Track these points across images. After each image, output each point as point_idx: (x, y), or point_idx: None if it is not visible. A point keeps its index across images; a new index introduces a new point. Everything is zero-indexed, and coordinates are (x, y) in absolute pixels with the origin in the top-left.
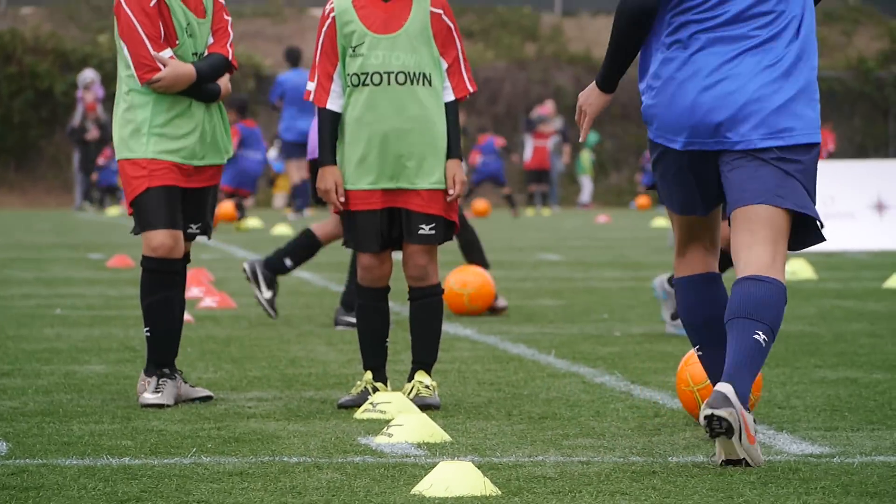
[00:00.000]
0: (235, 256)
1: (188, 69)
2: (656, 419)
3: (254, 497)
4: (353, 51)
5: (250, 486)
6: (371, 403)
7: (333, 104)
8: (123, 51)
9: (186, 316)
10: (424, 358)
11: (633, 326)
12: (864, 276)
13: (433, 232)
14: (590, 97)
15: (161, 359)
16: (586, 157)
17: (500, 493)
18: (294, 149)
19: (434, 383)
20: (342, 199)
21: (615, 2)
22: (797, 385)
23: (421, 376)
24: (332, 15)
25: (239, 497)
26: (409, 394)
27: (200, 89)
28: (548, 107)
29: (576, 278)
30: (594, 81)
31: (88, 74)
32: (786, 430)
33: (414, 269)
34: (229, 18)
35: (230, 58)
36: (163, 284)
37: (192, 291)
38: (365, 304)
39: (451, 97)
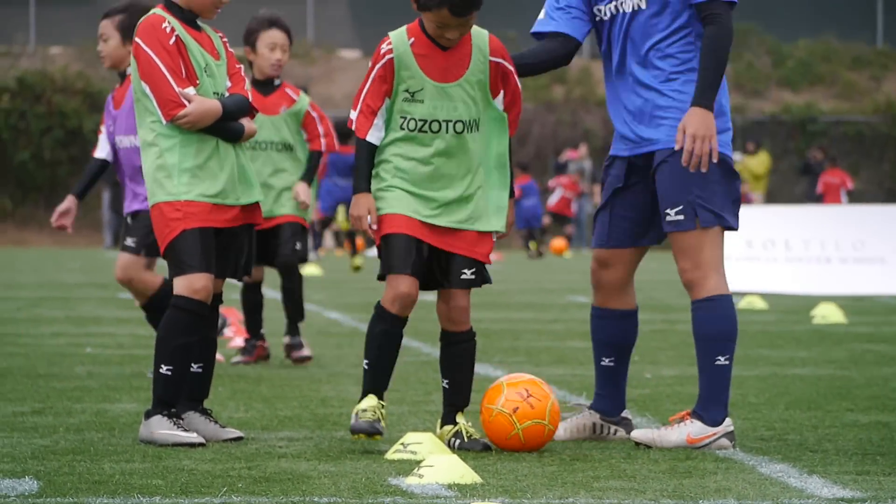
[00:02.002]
0: (265, 296)
1: (214, 104)
2: (687, 462)
3: None
4: (412, 96)
5: None
6: (402, 444)
7: (373, 137)
8: (146, 93)
9: (217, 355)
10: (463, 402)
11: (664, 369)
12: (895, 320)
13: (473, 276)
14: (708, 122)
15: (173, 399)
16: None
17: None
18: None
19: (470, 424)
20: (374, 227)
21: None
22: (829, 429)
23: (461, 418)
24: (389, 56)
25: None
26: (452, 437)
27: (225, 127)
28: (581, 150)
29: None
30: (703, 108)
31: None
32: (817, 474)
33: (456, 311)
34: (241, 66)
35: (250, 100)
36: (199, 326)
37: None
38: (391, 330)
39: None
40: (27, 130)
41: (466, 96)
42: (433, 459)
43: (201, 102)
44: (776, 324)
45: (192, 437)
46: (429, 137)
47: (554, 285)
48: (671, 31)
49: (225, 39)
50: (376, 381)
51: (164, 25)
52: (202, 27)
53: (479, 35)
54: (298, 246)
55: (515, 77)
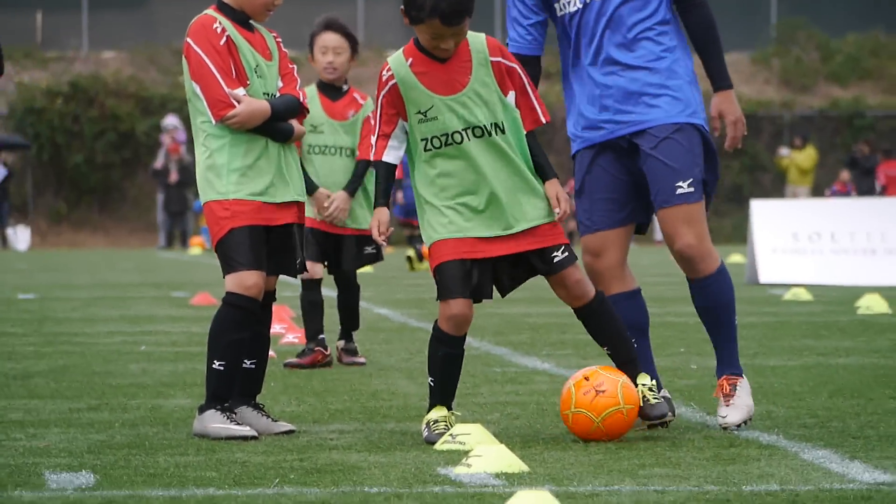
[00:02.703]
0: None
1: (263, 105)
2: (731, 449)
3: None
4: (425, 115)
5: None
6: (451, 435)
7: (389, 157)
8: (197, 94)
9: (270, 351)
10: (632, 356)
11: (709, 360)
12: None
13: (566, 254)
14: (737, 104)
15: (226, 393)
16: None
17: None
18: None
19: (653, 382)
20: (384, 239)
21: (733, 40)
22: (871, 416)
23: (643, 379)
24: (392, 82)
25: None
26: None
27: (274, 127)
28: None
29: (653, 313)
30: (727, 90)
31: (171, 121)
32: (859, 459)
33: (574, 287)
34: (294, 66)
35: (301, 100)
36: (250, 322)
37: (274, 328)
38: (452, 352)
39: (524, 129)
40: (81, 134)
41: (478, 101)
42: (481, 449)
43: (250, 103)
44: (821, 314)
45: (245, 430)
46: (455, 150)
47: None
48: (657, 15)
49: (279, 39)
50: (444, 397)
51: (214, 26)
52: (255, 27)
53: (476, 39)
54: (360, 258)
55: (520, 71)
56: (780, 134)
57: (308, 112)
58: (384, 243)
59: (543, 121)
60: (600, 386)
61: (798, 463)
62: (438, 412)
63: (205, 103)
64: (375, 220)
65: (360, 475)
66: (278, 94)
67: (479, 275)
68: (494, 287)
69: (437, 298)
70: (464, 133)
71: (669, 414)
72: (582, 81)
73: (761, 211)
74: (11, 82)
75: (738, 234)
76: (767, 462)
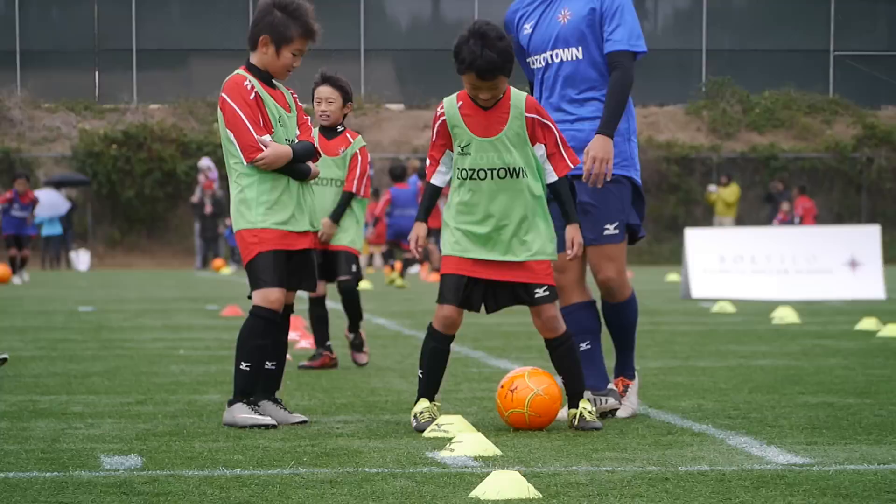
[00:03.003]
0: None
1: (286, 149)
2: (669, 436)
3: (341, 500)
4: (462, 150)
5: (338, 491)
6: (437, 424)
7: (436, 180)
8: (230, 140)
9: (287, 355)
10: (580, 389)
11: (650, 362)
12: (839, 320)
13: (548, 293)
14: (608, 148)
15: (251, 389)
16: None
17: (541, 496)
18: None
19: (594, 408)
20: (420, 250)
21: (670, 95)
22: (784, 408)
23: (584, 404)
24: (442, 118)
25: (329, 500)
26: (574, 419)
27: (294, 168)
28: None
29: (602, 323)
30: (606, 136)
31: (205, 162)
32: (774, 444)
33: (548, 322)
34: (308, 117)
35: (316, 146)
36: (272, 330)
37: (290, 335)
38: (439, 347)
39: (554, 177)
40: (132, 173)
41: (507, 147)
42: (462, 437)
43: (276, 147)
44: (742, 324)
45: (267, 420)
46: (478, 183)
47: None
48: (604, 77)
49: (295, 95)
50: (429, 388)
51: (245, 83)
52: (276, 85)
53: (518, 96)
54: (355, 269)
55: (553, 127)
56: (709, 173)
57: (321, 156)
58: (417, 255)
59: (571, 166)
60: (512, 385)
61: (724, 447)
62: (422, 404)
63: (237, 148)
64: (414, 234)
65: (361, 458)
66: (297, 141)
67: (472, 290)
68: (483, 304)
69: (436, 301)
70: (488, 171)
71: (617, 403)
72: None
73: (694, 238)
74: (75, 129)
75: (675, 256)
76: (699, 447)
